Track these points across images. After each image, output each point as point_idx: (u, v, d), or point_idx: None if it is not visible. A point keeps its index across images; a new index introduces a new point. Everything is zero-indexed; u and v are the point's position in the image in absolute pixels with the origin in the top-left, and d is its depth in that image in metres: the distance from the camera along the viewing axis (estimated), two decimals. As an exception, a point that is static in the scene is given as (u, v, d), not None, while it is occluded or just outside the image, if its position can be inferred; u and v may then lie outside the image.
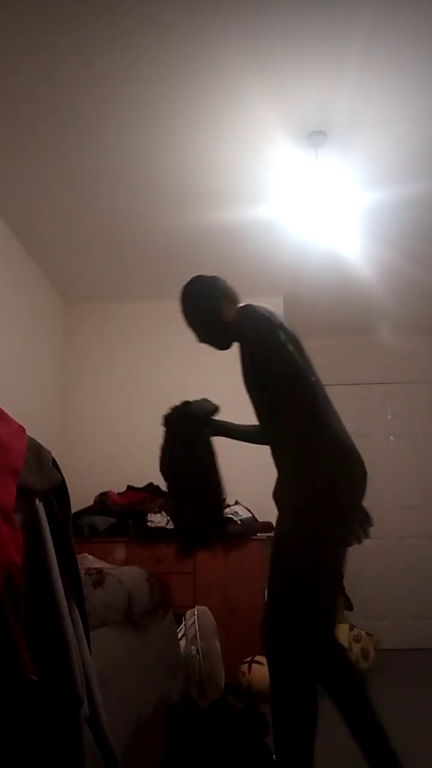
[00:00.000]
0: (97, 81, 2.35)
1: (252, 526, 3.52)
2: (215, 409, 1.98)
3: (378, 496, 4.78)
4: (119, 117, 2.55)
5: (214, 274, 2.07)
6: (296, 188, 3.03)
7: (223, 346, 2.07)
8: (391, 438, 4.97)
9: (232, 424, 2.04)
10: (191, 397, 2.01)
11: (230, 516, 3.53)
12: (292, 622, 1.68)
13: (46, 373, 4.02)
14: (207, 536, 1.82)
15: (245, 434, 2.06)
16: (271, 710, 1.69)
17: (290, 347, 1.76)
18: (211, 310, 2.00)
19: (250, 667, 3.03)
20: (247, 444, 2.05)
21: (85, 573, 1.66)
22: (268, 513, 2.39)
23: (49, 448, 1.10)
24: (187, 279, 2.08)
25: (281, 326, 1.81)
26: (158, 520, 3.50)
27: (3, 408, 1.00)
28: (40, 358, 3.95)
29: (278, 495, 1.83)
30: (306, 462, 1.74)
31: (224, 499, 1.95)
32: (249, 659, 3.06)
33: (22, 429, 1.01)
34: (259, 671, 2.94)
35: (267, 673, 1.77)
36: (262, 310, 1.83)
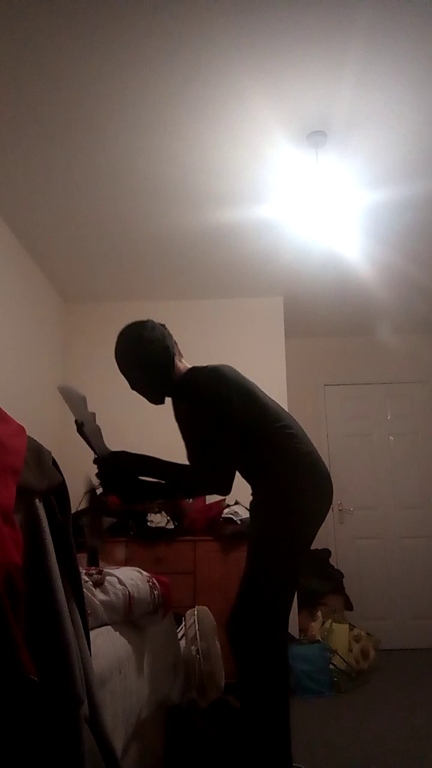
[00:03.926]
0: (96, 80, 2.35)
1: (252, 526, 3.51)
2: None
3: (378, 496, 4.79)
4: (119, 117, 2.55)
5: (162, 323, 2.07)
6: (296, 188, 3.03)
7: (161, 401, 2.13)
8: (391, 438, 4.97)
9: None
10: None
11: (230, 516, 3.53)
12: (266, 616, 1.79)
13: (46, 373, 4.02)
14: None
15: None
16: (244, 706, 1.78)
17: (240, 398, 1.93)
18: (168, 365, 2.02)
19: (250, 667, 3.02)
20: None
21: (85, 573, 1.66)
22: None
23: (49, 448, 1.10)
24: (133, 324, 2.05)
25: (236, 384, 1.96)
26: (158, 520, 3.50)
27: (3, 408, 1.01)
28: (40, 358, 3.95)
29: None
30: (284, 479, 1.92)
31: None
32: (249, 659, 3.05)
33: (22, 429, 1.02)
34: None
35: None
36: (224, 372, 1.97)
